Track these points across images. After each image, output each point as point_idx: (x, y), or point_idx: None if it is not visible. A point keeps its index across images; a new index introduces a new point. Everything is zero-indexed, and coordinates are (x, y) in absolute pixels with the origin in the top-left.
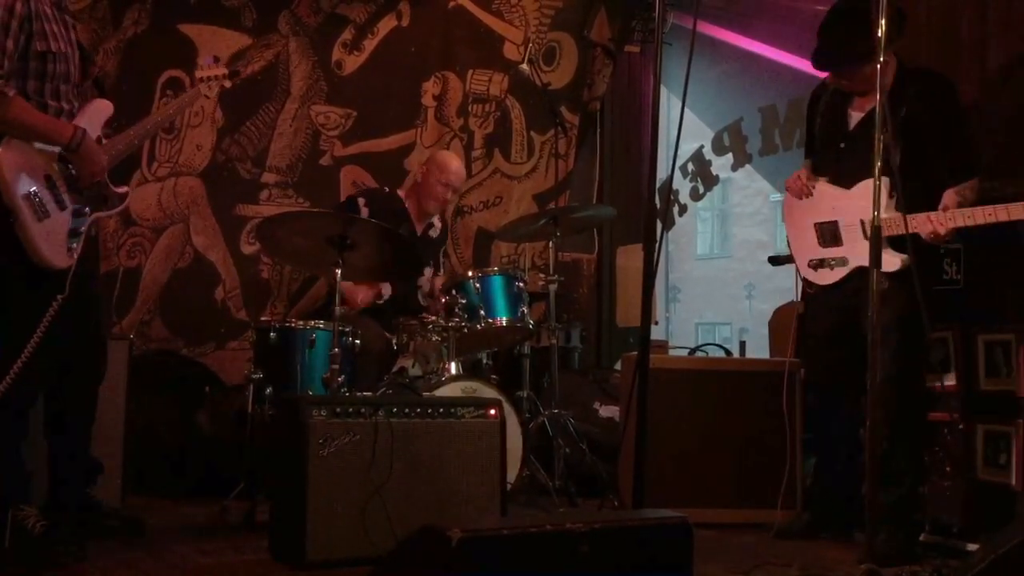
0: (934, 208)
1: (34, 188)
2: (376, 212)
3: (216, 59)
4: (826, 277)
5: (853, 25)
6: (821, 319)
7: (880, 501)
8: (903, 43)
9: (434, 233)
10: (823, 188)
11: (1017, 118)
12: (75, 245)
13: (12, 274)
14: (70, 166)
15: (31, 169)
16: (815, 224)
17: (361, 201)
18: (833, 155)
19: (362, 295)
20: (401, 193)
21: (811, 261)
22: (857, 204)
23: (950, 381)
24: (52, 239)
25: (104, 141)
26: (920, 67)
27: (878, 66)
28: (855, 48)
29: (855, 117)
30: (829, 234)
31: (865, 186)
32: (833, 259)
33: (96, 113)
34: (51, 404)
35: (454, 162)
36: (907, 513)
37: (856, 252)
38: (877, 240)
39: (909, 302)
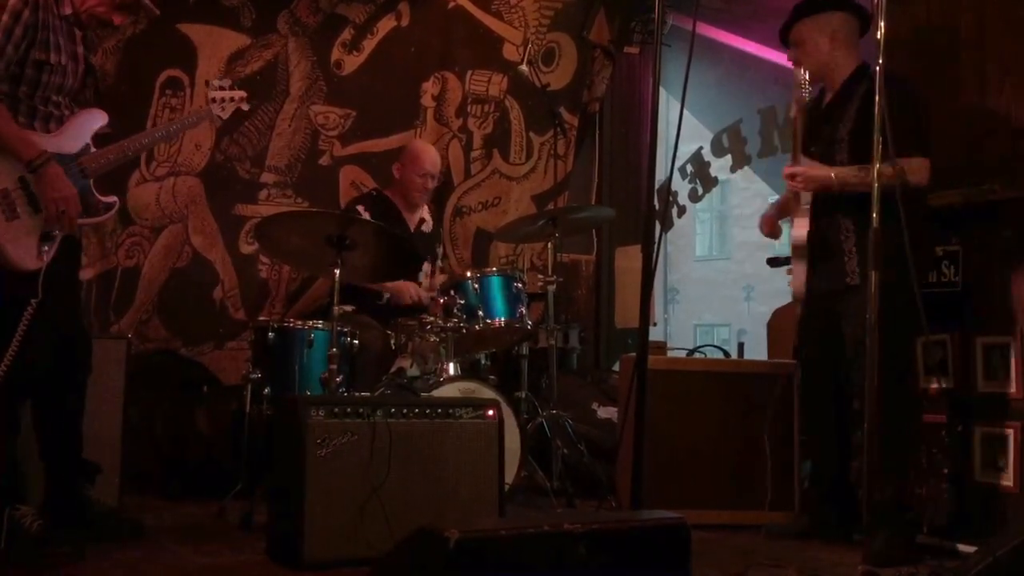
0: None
1: (5, 187)
2: (376, 217)
3: (231, 83)
4: (792, 283)
5: None
6: (805, 319)
7: (877, 503)
8: (902, 44)
9: (426, 228)
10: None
11: (1016, 119)
12: (47, 248)
13: None
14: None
15: (3, 171)
16: None
17: (361, 208)
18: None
19: (413, 290)
20: (388, 193)
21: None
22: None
23: (948, 384)
24: (21, 241)
25: (93, 150)
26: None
27: (877, 64)
28: (807, 5)
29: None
30: None
31: None
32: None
33: (87, 121)
34: (36, 404)
35: (426, 151)
36: (898, 514)
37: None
38: (877, 241)
39: (889, 305)
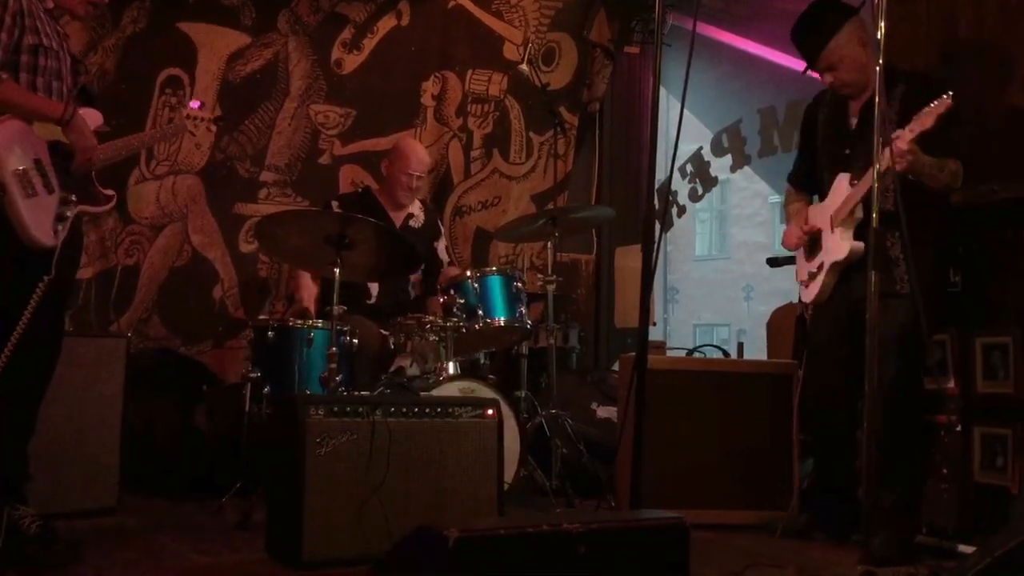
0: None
1: (23, 167)
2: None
3: (202, 104)
4: (811, 292)
5: (812, 16)
6: (824, 322)
7: (879, 503)
8: (902, 44)
9: (415, 224)
10: (811, 210)
11: (1016, 119)
12: (60, 228)
13: None
14: (59, 157)
15: (22, 149)
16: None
17: (335, 204)
18: (840, 161)
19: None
20: (376, 191)
21: (802, 280)
22: (830, 206)
23: (948, 384)
24: (39, 217)
25: None
26: (910, 69)
27: (878, 64)
28: (818, 31)
29: (854, 122)
30: (813, 244)
31: (836, 185)
32: (815, 269)
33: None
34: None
35: (414, 151)
36: (905, 516)
37: (828, 252)
38: (874, 242)
39: (912, 308)
